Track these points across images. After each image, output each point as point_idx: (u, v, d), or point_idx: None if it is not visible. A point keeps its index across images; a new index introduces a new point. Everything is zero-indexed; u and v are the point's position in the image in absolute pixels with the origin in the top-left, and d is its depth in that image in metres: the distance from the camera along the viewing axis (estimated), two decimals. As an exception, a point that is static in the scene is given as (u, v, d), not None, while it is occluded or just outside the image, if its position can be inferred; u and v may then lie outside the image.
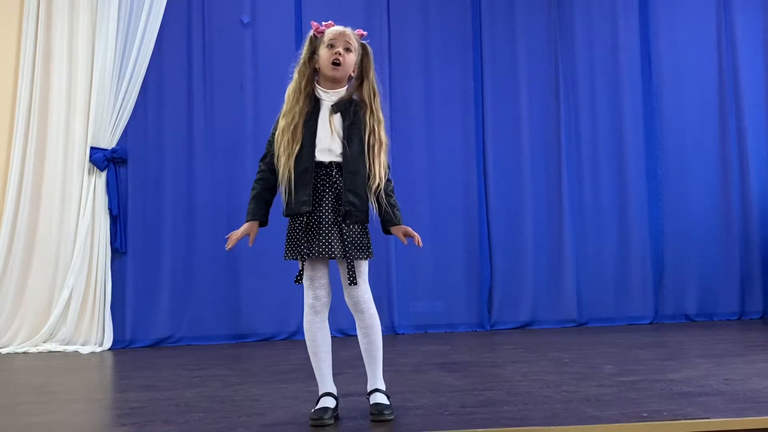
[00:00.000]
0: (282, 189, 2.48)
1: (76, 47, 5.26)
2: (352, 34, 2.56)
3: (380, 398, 2.48)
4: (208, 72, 5.42)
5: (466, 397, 2.81)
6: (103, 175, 5.18)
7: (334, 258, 2.45)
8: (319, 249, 2.42)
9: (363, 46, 2.58)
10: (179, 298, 5.23)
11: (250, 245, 2.59)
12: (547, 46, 5.83)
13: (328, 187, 2.47)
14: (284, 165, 2.45)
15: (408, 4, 5.73)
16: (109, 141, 5.20)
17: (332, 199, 2.46)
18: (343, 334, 5.11)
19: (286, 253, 2.50)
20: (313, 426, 2.38)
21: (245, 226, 2.55)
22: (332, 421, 2.41)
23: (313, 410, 2.45)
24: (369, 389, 2.54)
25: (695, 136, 5.87)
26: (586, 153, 5.79)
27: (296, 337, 5.27)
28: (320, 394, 2.51)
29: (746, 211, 5.86)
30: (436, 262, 5.53)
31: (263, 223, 2.59)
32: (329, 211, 2.45)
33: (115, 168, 5.21)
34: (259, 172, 2.59)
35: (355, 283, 2.44)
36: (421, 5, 5.75)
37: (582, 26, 5.88)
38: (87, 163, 5.16)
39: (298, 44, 6.03)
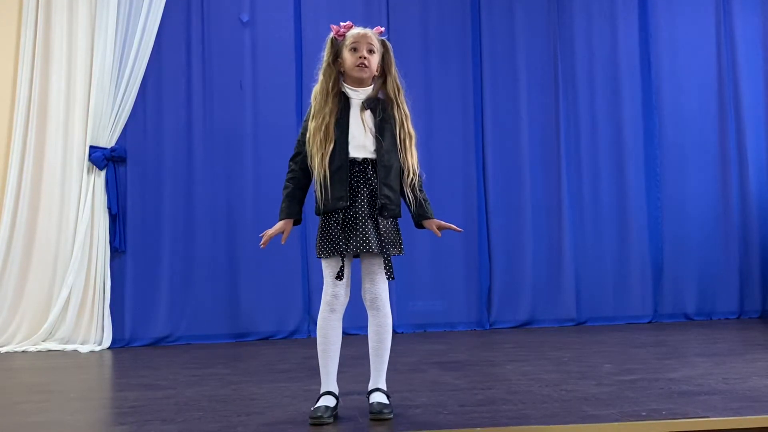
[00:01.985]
0: (316, 187, 2.50)
1: (75, 46, 5.26)
2: (373, 35, 2.58)
3: (380, 397, 2.48)
4: (207, 71, 5.42)
5: (465, 396, 2.81)
6: (102, 174, 5.18)
7: (371, 252, 2.45)
8: (356, 244, 2.44)
9: (383, 43, 2.61)
10: (178, 297, 5.22)
11: (283, 242, 2.62)
12: (546, 44, 5.83)
13: (363, 183, 2.49)
14: (319, 164, 2.47)
15: (407, 2, 5.72)
16: (108, 140, 5.19)
17: (367, 195, 2.49)
18: (343, 333, 5.09)
19: (320, 250, 2.50)
20: (312, 425, 2.38)
21: (280, 224, 2.57)
22: (331, 420, 2.41)
23: (312, 408, 2.45)
24: (370, 388, 2.54)
25: (694, 134, 5.88)
26: (585, 152, 5.79)
27: (296, 336, 5.28)
28: (321, 392, 2.51)
29: (745, 210, 5.87)
30: (436, 260, 5.53)
31: (297, 222, 2.61)
32: (365, 206, 2.48)
33: (114, 167, 5.21)
34: (290, 172, 2.61)
35: (393, 278, 2.48)
36: (421, 4, 5.75)
37: (581, 24, 5.88)
38: (86, 162, 5.16)
39: (298, 43, 6.06)
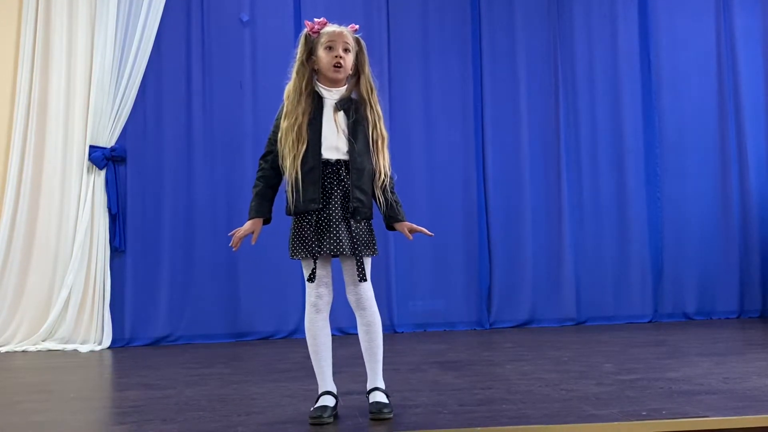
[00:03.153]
0: (288, 188, 2.47)
1: (75, 45, 5.26)
2: (349, 33, 2.55)
3: (379, 397, 2.48)
4: (207, 70, 5.42)
5: (465, 396, 2.81)
6: (102, 173, 5.18)
7: (343, 254, 2.44)
8: (329, 246, 2.42)
9: (357, 41, 2.58)
10: (178, 296, 5.23)
11: (253, 243, 2.58)
12: (546, 44, 5.83)
13: (336, 184, 2.47)
14: (291, 165, 2.44)
15: (407, 2, 5.72)
16: (108, 139, 5.19)
17: (341, 196, 2.47)
18: (342, 333, 5.11)
19: (294, 252, 2.48)
20: (312, 425, 2.38)
21: (249, 223, 2.54)
22: (331, 420, 2.40)
23: (312, 408, 2.45)
24: (368, 387, 2.53)
25: (695, 135, 5.88)
26: (585, 151, 5.79)
27: (295, 335, 5.28)
28: (320, 392, 2.51)
29: (745, 210, 5.87)
30: (436, 260, 5.53)
31: (267, 221, 2.58)
32: (338, 208, 2.45)
33: (114, 167, 5.21)
34: (260, 170, 2.59)
35: (365, 280, 2.46)
36: (421, 3, 5.74)
37: (581, 25, 5.88)
38: (86, 162, 5.16)
39: (298, 43, 6.00)
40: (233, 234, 2.54)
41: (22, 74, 5.21)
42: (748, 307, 5.82)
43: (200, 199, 5.32)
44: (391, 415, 2.43)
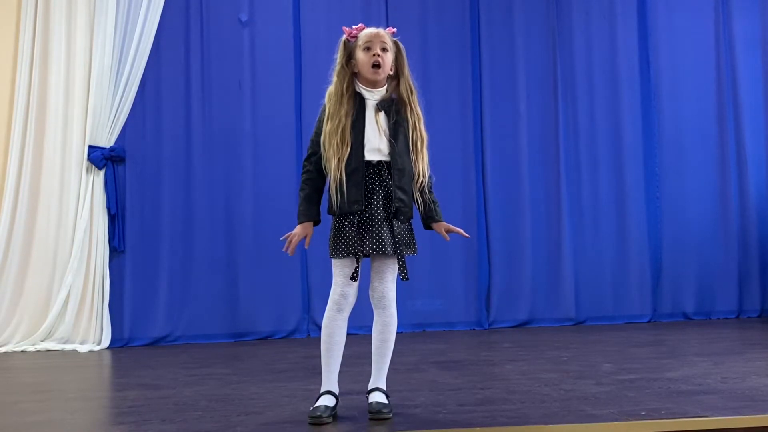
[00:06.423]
0: (331, 189, 2.49)
1: (74, 45, 5.25)
2: (386, 34, 2.58)
3: (379, 397, 2.48)
4: (206, 70, 5.41)
5: (464, 396, 2.81)
6: (101, 173, 5.17)
7: (386, 254, 2.47)
8: (372, 246, 2.45)
9: (395, 43, 2.60)
10: (177, 296, 5.22)
11: (307, 246, 2.62)
12: (545, 45, 5.83)
13: (378, 185, 2.50)
14: (335, 168, 2.46)
15: (407, 3, 5.72)
16: (107, 139, 5.19)
17: (382, 197, 2.50)
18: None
19: (335, 251, 2.49)
20: (311, 424, 2.38)
21: (300, 227, 2.57)
22: (330, 420, 2.40)
23: (311, 408, 2.45)
24: (370, 387, 2.54)
25: (693, 135, 5.88)
26: (584, 152, 5.79)
27: (295, 335, 5.28)
28: (321, 391, 2.51)
29: (744, 210, 5.88)
30: (435, 260, 5.52)
31: (316, 222, 2.61)
32: (380, 208, 2.49)
33: (113, 166, 5.20)
34: (305, 173, 2.60)
35: (407, 278, 2.50)
36: (420, 4, 5.74)
37: (580, 25, 5.88)
38: (85, 162, 5.15)
39: (297, 43, 6.05)
40: (286, 238, 2.56)
41: (21, 74, 5.20)
42: (747, 307, 5.82)
43: (199, 199, 5.32)
44: (391, 415, 2.44)
